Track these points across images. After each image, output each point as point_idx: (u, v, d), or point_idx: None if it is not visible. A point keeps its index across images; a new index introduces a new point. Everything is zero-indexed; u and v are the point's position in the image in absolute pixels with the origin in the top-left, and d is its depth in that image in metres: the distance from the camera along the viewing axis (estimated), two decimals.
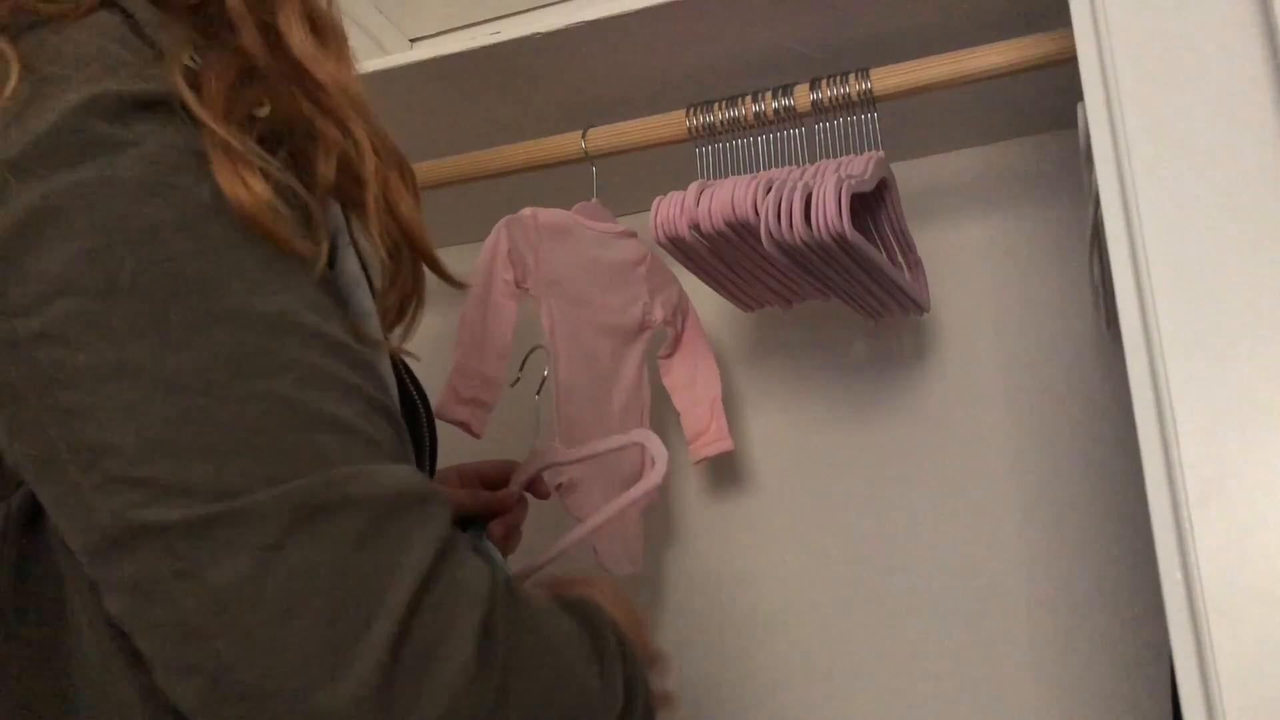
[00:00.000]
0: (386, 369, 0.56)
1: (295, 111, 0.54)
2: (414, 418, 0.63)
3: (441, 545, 0.46)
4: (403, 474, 0.47)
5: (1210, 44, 0.69)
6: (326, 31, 0.57)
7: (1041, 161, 1.24)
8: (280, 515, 0.42)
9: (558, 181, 1.11)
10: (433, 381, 1.27)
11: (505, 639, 0.47)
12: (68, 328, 0.43)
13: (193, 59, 0.50)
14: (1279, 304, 0.64)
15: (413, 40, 1.39)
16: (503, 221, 1.03)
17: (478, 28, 1.34)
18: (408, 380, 0.65)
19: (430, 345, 1.24)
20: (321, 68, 0.55)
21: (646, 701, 0.58)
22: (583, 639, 0.54)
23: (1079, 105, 0.80)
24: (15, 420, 0.45)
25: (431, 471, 0.67)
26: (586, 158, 1.09)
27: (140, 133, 0.46)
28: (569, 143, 1.09)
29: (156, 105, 0.47)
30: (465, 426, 0.97)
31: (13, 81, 0.46)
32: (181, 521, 0.42)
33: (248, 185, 0.48)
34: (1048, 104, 1.13)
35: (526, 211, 1.05)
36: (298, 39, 0.54)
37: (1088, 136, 0.74)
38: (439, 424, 0.75)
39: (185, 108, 0.48)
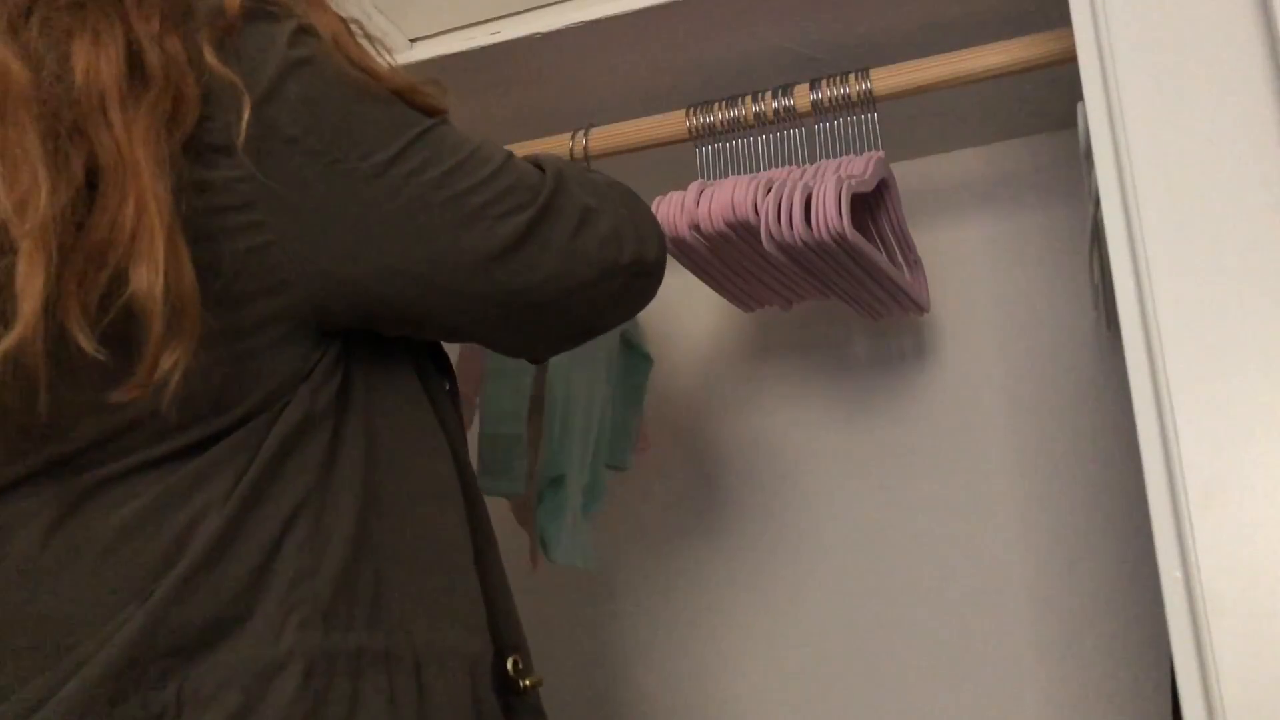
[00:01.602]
0: None
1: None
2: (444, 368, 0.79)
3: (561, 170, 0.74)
4: (542, 155, 0.76)
5: (1210, 44, 0.69)
6: None
7: (1041, 161, 1.24)
8: (555, 191, 0.70)
9: None
10: None
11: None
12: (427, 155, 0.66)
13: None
14: (1278, 304, 0.64)
15: (413, 40, 1.39)
16: None
17: (478, 28, 1.34)
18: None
19: None
20: None
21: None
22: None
23: (1079, 105, 0.80)
24: (373, 233, 0.63)
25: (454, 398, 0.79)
26: (586, 158, 1.09)
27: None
28: (567, 143, 1.09)
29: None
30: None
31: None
32: (531, 219, 0.68)
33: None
34: (1048, 104, 1.13)
35: None
36: None
37: (1088, 136, 0.74)
38: None
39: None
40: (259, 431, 0.62)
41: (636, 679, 1.30)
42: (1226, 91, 0.68)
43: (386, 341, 0.69)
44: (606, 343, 1.14)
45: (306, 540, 0.61)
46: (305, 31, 0.63)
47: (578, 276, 0.69)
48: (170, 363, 0.56)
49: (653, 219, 0.78)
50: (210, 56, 0.59)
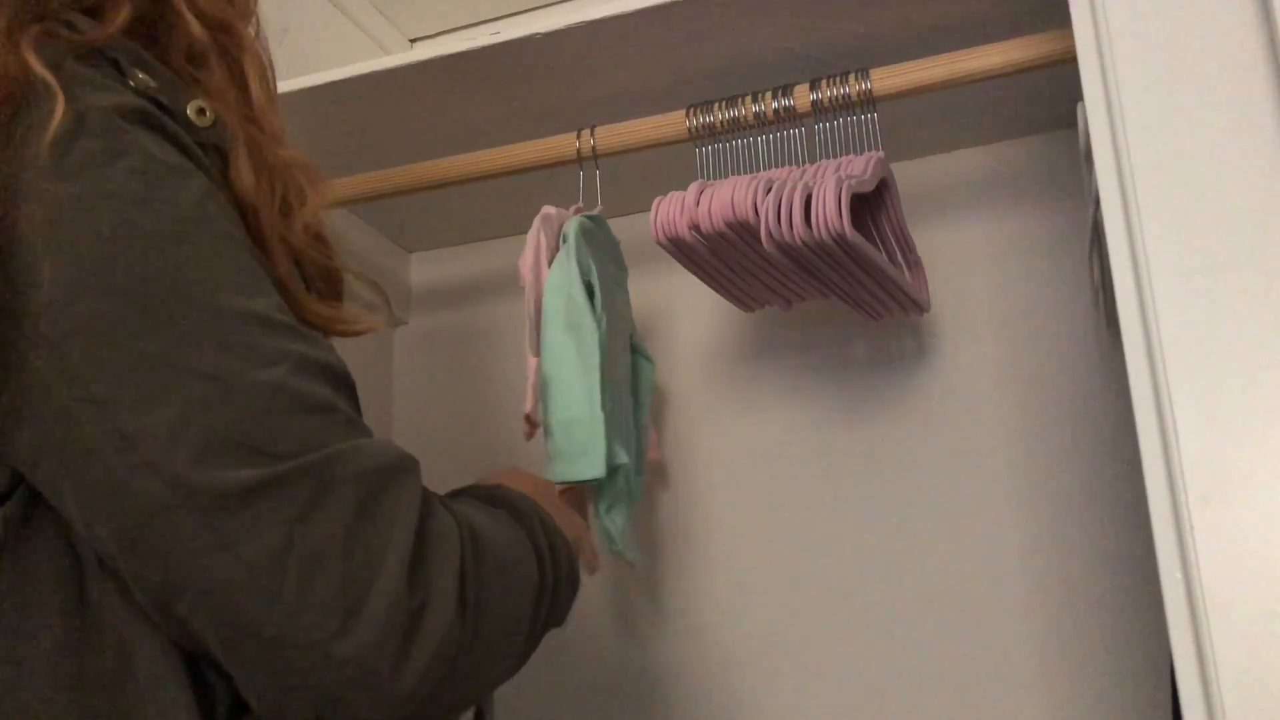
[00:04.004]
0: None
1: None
2: None
3: (422, 507, 0.54)
4: (381, 446, 0.54)
5: (1210, 44, 0.69)
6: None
7: (1041, 161, 1.24)
8: (302, 488, 0.49)
9: (558, 181, 1.12)
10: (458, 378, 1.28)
11: (475, 578, 0.55)
12: (93, 325, 0.48)
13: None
14: (1279, 304, 0.64)
15: (413, 40, 1.40)
16: (538, 218, 1.05)
17: (478, 28, 1.34)
18: None
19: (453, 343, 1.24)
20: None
21: (569, 560, 0.68)
22: (519, 534, 0.63)
23: (1079, 105, 0.80)
24: (40, 413, 0.48)
25: None
26: (587, 157, 1.09)
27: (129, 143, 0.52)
28: (569, 143, 1.09)
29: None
30: (534, 427, 1.03)
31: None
32: (221, 491, 0.47)
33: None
34: (1048, 104, 1.13)
35: (552, 210, 1.06)
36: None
37: (1088, 136, 0.74)
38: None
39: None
40: None
41: (625, 676, 1.30)
42: (1226, 91, 0.68)
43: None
44: (625, 341, 1.13)
45: None
46: (141, 118, 0.53)
47: (247, 615, 0.48)
48: None
49: (471, 649, 0.54)
50: (34, 62, 0.51)
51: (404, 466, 0.55)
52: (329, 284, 0.65)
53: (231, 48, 0.62)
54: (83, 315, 0.47)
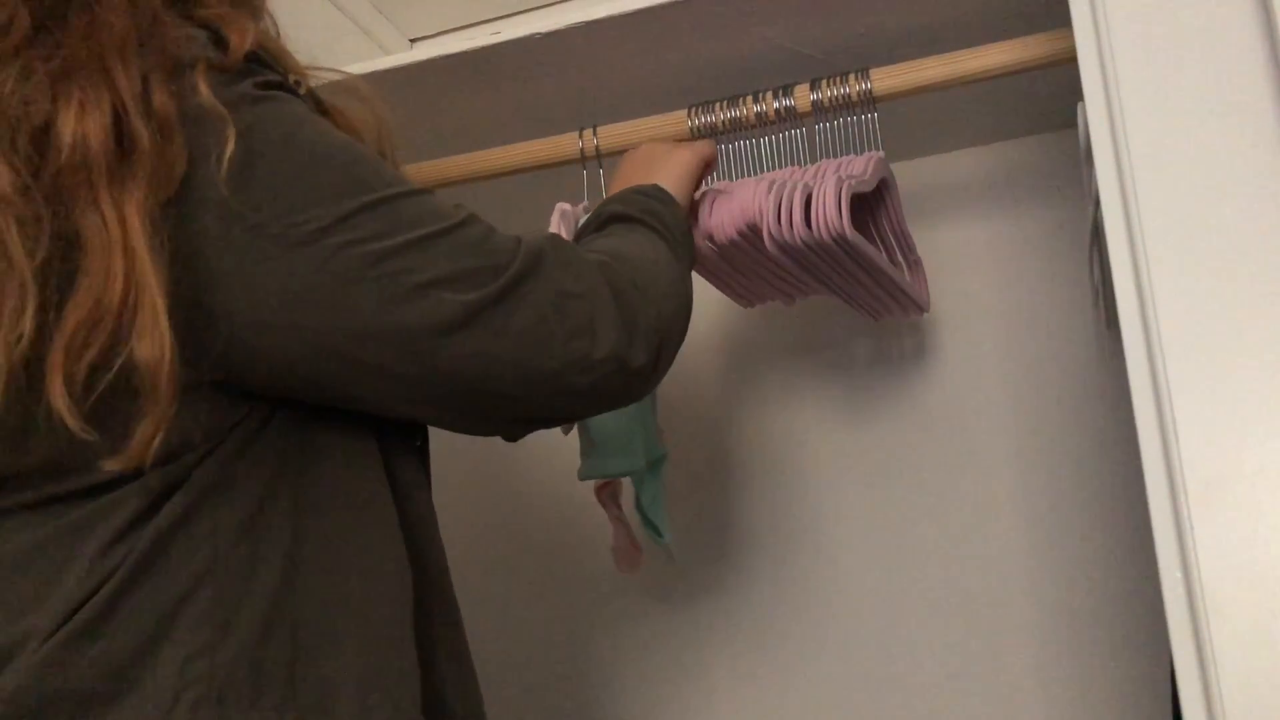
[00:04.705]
0: None
1: None
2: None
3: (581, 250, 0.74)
4: (535, 232, 0.72)
5: (1210, 44, 0.69)
6: None
7: (1041, 161, 1.24)
8: (527, 273, 0.66)
9: (559, 182, 1.11)
10: None
11: (642, 277, 0.75)
12: (346, 226, 0.61)
13: None
14: (1279, 303, 0.64)
15: (413, 40, 1.40)
16: (555, 213, 1.06)
17: (478, 28, 1.34)
18: None
19: None
20: None
21: (675, 214, 0.88)
22: (638, 232, 0.83)
23: (1079, 105, 0.80)
24: (319, 314, 0.61)
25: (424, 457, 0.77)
26: (588, 157, 1.09)
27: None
28: (570, 142, 1.09)
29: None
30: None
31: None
32: (483, 299, 0.64)
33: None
34: (1048, 104, 1.13)
35: (567, 206, 1.06)
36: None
37: (1088, 136, 0.74)
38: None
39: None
40: (156, 488, 0.59)
41: (633, 679, 1.30)
42: (1226, 91, 0.68)
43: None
44: None
45: (208, 612, 0.59)
46: (272, 85, 0.64)
47: (537, 366, 0.66)
48: (158, 430, 0.56)
49: (662, 321, 0.74)
50: (205, 95, 0.60)
51: (557, 235, 0.74)
52: None
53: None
54: (323, 223, 0.60)
